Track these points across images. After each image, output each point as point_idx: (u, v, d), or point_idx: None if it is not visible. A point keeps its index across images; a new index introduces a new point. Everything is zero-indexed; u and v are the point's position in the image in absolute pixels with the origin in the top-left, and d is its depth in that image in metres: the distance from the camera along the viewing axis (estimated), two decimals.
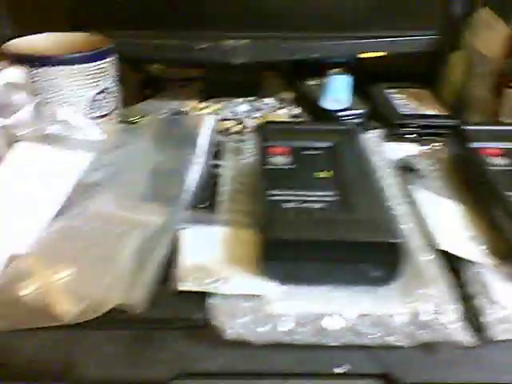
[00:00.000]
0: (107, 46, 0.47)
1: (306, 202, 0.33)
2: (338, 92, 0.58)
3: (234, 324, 0.29)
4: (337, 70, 0.63)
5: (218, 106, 0.60)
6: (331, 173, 0.36)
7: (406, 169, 0.43)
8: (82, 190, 0.40)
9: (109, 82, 0.48)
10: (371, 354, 0.29)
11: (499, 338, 0.29)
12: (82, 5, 0.57)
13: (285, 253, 0.31)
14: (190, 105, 0.61)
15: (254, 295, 0.31)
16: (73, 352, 0.30)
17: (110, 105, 0.49)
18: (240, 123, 0.58)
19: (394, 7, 0.59)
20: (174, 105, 0.65)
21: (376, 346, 0.29)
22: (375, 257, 0.31)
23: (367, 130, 0.52)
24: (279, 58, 0.59)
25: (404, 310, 0.30)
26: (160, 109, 0.64)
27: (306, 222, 0.32)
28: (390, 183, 0.40)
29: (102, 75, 0.46)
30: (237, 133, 0.57)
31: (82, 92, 0.46)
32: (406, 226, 0.35)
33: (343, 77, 0.61)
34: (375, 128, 0.54)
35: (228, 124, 0.57)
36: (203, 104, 0.60)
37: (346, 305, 0.30)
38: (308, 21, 0.58)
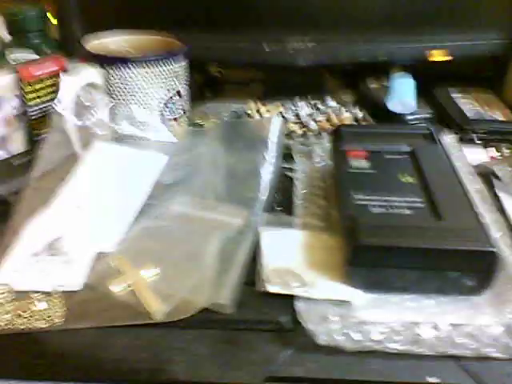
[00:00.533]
0: (182, 49, 0.48)
1: (392, 207, 0.33)
2: (404, 95, 0.57)
3: (327, 329, 0.29)
4: (400, 72, 0.62)
5: (280, 108, 0.60)
6: (414, 178, 0.36)
7: (487, 175, 0.42)
8: (161, 191, 0.41)
9: (182, 84, 0.48)
10: (464, 365, 0.29)
11: None
12: (149, 5, 0.58)
13: (373, 259, 0.31)
14: (251, 107, 0.61)
15: (341, 301, 0.31)
16: (162, 351, 0.30)
17: (182, 107, 0.49)
18: (303, 126, 0.58)
19: (460, 10, 0.57)
20: (235, 107, 0.65)
21: (469, 357, 0.29)
22: (468, 265, 0.30)
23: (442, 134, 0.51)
24: (344, 60, 0.58)
25: (498, 320, 0.29)
26: (221, 111, 0.64)
27: (395, 228, 0.31)
28: (474, 190, 0.39)
29: (176, 78, 0.47)
30: (301, 136, 0.57)
31: (157, 94, 0.46)
32: (497, 235, 0.34)
33: (408, 79, 0.60)
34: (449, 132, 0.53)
35: (292, 127, 0.57)
36: (265, 106, 0.60)
37: (439, 314, 0.30)
38: (373, 23, 0.58)
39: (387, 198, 0.34)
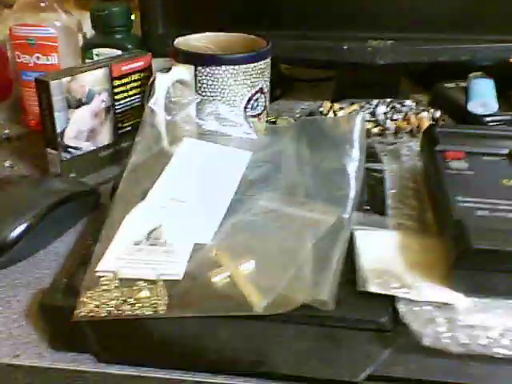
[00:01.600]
0: (267, 47, 0.48)
1: (498, 210, 0.32)
2: (484, 96, 0.56)
3: (433, 331, 0.29)
4: (479, 73, 0.61)
5: (355, 106, 0.60)
6: None
7: None
8: (247, 186, 0.42)
9: (264, 82, 0.49)
10: None
11: None
12: (230, 4, 0.59)
13: (479, 263, 0.30)
14: (324, 105, 0.61)
15: (444, 304, 0.30)
16: (263, 343, 0.31)
17: (263, 105, 0.50)
18: (379, 125, 0.57)
19: None
20: (307, 105, 0.65)
21: None
22: None
23: None
24: (424, 59, 0.58)
25: None
26: (293, 109, 0.65)
27: (502, 231, 0.31)
28: None
29: (260, 76, 0.48)
30: (378, 135, 0.56)
31: (242, 91, 0.47)
32: None
33: (488, 80, 0.59)
34: None
35: (368, 125, 0.57)
36: (339, 105, 0.60)
37: None
38: (454, 22, 0.57)
39: (492, 200, 0.33)
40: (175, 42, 0.49)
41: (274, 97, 0.65)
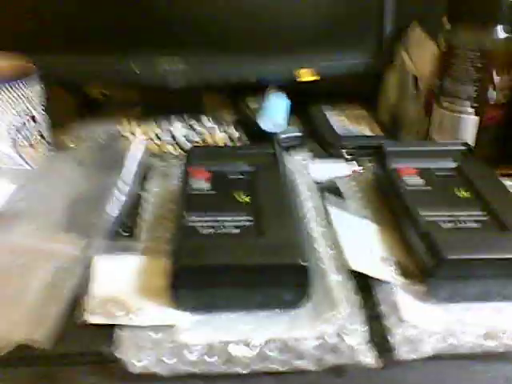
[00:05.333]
0: (32, 73, 0.46)
1: (221, 227, 0.33)
2: (274, 113, 0.59)
3: (141, 357, 0.29)
4: (274, 91, 0.64)
5: (157, 129, 0.60)
6: (249, 197, 0.36)
7: (329, 190, 0.43)
8: (1, 222, 0.39)
9: (37, 109, 0.47)
10: (281, 380, 0.29)
11: (407, 358, 0.29)
12: (13, 27, 0.56)
13: (193, 280, 0.31)
14: (127, 128, 0.60)
15: (164, 326, 0.31)
16: None
17: (39, 133, 0.48)
18: (179, 147, 0.58)
19: (328, 30, 0.60)
20: (112, 128, 0.64)
21: (285, 372, 0.29)
22: (283, 279, 0.31)
23: (301, 151, 0.53)
24: (214, 81, 0.59)
25: (312, 333, 0.30)
26: (96, 132, 0.63)
27: (216, 247, 0.32)
28: (311, 206, 0.40)
29: (29, 103, 0.46)
30: (175, 157, 0.57)
31: (6, 120, 0.45)
32: (321, 248, 0.36)
33: (280, 98, 0.62)
34: (309, 150, 0.55)
35: (166, 148, 0.57)
36: (141, 127, 0.60)
37: (255, 330, 0.30)
38: (244, 42, 0.59)
39: (218, 218, 0.34)
40: None
41: (81, 120, 0.63)
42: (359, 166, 0.52)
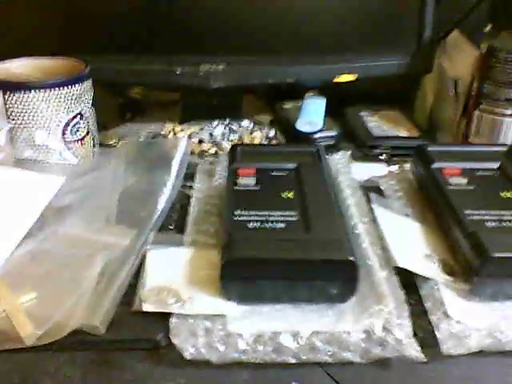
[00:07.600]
0: (82, 72, 0.48)
1: (268, 221, 0.34)
2: (312, 114, 0.60)
3: (194, 343, 0.30)
4: (312, 92, 0.65)
5: (196, 128, 0.61)
6: (294, 193, 0.37)
7: (371, 189, 0.44)
8: (53, 213, 0.41)
9: (84, 106, 0.49)
10: (327, 370, 0.30)
11: (452, 353, 0.30)
12: (62, 29, 0.58)
13: (242, 272, 0.32)
14: (168, 128, 0.62)
15: (214, 315, 0.32)
16: (32, 374, 0.30)
17: (86, 129, 0.50)
18: (216, 145, 0.59)
19: (367, 32, 0.60)
20: (153, 128, 0.66)
21: (331, 363, 0.30)
22: (332, 274, 0.31)
23: (338, 151, 0.53)
24: (253, 81, 0.60)
25: (358, 326, 0.30)
26: (138, 132, 0.65)
27: (264, 241, 0.32)
28: (353, 203, 0.41)
29: (77, 100, 0.48)
30: (213, 155, 0.58)
31: (57, 117, 0.47)
32: (365, 244, 0.36)
33: (317, 100, 0.63)
34: (347, 149, 0.55)
35: (205, 146, 0.58)
36: (181, 127, 0.61)
37: (302, 322, 0.31)
38: (283, 44, 0.60)
39: (264, 213, 0.35)
40: None
41: (124, 120, 0.65)
42: (393, 166, 0.52)
